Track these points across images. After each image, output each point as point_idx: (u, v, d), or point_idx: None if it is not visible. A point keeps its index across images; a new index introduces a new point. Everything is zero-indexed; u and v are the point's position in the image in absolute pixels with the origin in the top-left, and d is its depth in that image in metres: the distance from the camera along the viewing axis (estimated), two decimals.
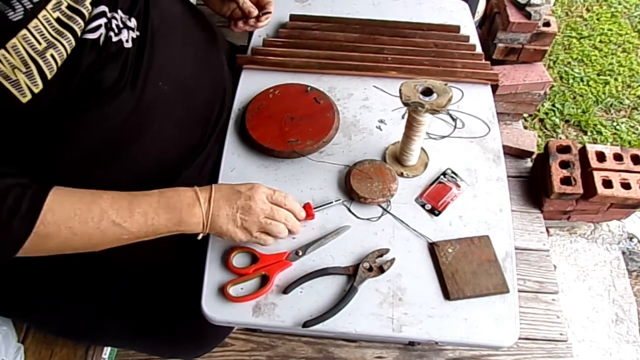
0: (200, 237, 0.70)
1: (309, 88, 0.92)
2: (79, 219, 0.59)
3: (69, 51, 0.55)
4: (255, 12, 0.86)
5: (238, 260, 0.75)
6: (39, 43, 0.52)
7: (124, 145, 0.66)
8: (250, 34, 1.06)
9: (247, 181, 0.82)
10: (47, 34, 0.53)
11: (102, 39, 0.59)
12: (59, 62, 0.54)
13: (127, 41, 0.63)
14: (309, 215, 0.77)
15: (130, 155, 0.68)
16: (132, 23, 0.64)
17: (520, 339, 0.72)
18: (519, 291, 1.40)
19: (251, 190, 0.70)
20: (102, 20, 0.59)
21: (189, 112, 0.77)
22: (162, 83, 0.68)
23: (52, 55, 0.53)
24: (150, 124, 0.68)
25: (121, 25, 0.62)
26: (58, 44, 0.54)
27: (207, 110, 0.83)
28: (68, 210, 0.58)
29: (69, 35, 0.55)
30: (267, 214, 0.70)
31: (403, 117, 0.90)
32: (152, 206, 0.64)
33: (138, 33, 0.66)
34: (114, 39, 0.61)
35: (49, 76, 0.54)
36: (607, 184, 1.45)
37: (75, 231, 0.59)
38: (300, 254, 0.75)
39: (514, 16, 1.55)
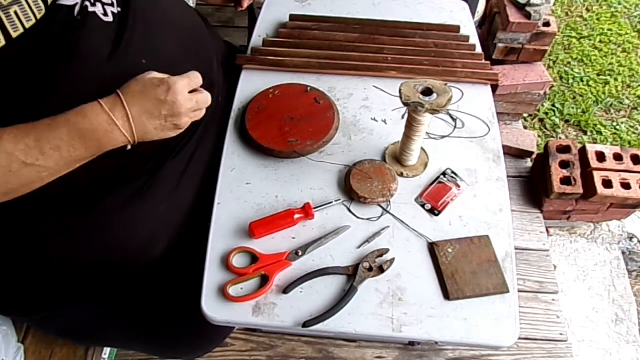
0: (129, 147, 0.65)
1: (309, 88, 0.92)
2: None
3: (37, 16, 0.55)
4: None
5: (238, 260, 0.75)
6: None
7: None
8: (250, 34, 1.06)
9: (246, 182, 0.82)
10: None
11: (77, 8, 0.60)
12: (26, 24, 0.54)
13: (104, 14, 0.63)
14: (309, 215, 0.77)
15: None
16: None
17: (520, 339, 0.72)
18: (519, 291, 1.40)
19: (170, 92, 0.63)
20: None
21: None
22: (145, 60, 0.68)
23: (15, 13, 0.52)
24: None
25: None
26: (23, 2, 0.53)
27: None
28: None
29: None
30: (194, 108, 0.67)
31: (403, 117, 0.90)
32: (64, 140, 0.59)
33: (119, 9, 0.66)
34: (90, 9, 0.61)
35: (14, 35, 0.53)
36: (607, 184, 1.45)
37: None
38: (300, 254, 0.75)
39: (514, 16, 1.55)
